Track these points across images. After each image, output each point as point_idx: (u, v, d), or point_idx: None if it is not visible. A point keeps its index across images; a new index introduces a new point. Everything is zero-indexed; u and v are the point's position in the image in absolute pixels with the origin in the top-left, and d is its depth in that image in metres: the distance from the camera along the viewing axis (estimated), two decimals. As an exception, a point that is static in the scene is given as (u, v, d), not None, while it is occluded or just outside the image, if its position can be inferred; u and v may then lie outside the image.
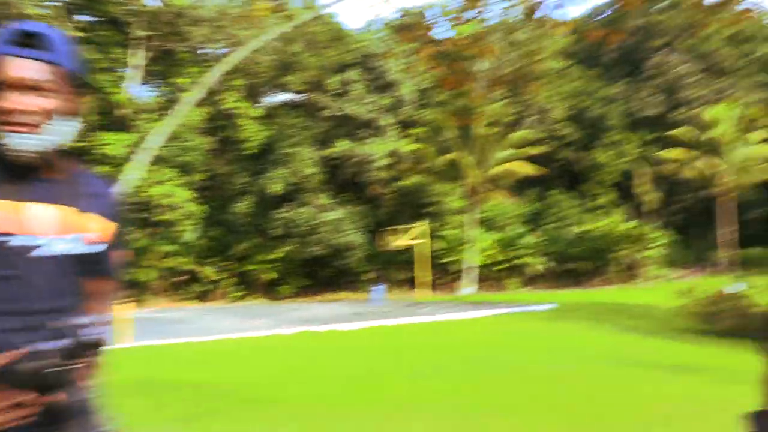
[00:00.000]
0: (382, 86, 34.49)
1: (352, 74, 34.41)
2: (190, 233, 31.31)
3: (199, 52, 31.80)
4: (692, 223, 35.98)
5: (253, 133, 34.60)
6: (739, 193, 33.77)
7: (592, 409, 7.43)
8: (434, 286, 31.65)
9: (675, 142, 34.06)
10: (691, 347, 13.63)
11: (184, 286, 32.84)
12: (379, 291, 27.12)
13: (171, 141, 29.49)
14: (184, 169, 31.61)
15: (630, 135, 37.53)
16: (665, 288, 22.36)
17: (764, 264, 31.80)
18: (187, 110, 21.24)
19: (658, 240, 32.73)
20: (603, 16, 39.52)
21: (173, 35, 30.36)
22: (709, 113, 33.80)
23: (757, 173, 32.95)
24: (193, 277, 32.78)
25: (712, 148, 33.54)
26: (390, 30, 34.78)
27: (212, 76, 14.32)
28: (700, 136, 33.69)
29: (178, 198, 30.09)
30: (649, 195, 36.70)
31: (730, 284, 18.20)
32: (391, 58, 32.67)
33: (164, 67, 31.94)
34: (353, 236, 32.52)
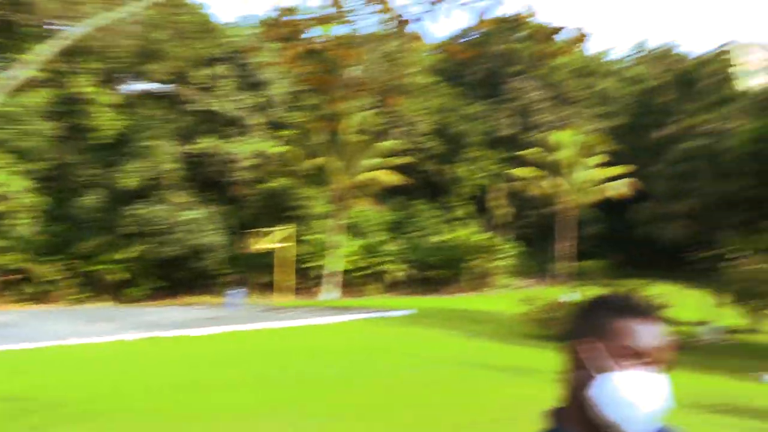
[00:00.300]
0: (252, 84, 33.60)
1: (220, 69, 33.14)
2: (25, 227, 28.14)
3: (46, 28, 28.78)
4: (537, 236, 39.11)
5: (107, 122, 31.96)
6: (577, 211, 37.33)
7: (438, 411, 7.70)
8: (296, 291, 31.31)
9: (525, 162, 36.89)
10: (529, 351, 14.74)
11: (16, 285, 29.44)
12: (237, 295, 26.22)
13: (6, 123, 26.41)
14: (23, 155, 28.39)
15: (487, 152, 40.02)
16: (512, 296, 24.04)
17: (596, 275, 35.39)
18: (23, 90, 19.01)
19: (508, 251, 35.18)
20: (467, 38, 41.83)
21: (14, 5, 27.19)
22: (555, 137, 37.08)
23: (593, 194, 36.72)
24: (27, 276, 29.49)
25: (556, 169, 36.79)
26: (263, 26, 33.99)
27: (47, 53, 12.97)
28: (547, 157, 36.82)
29: (13, 187, 26.95)
30: (502, 209, 39.40)
31: (566, 293, 20.03)
32: (260, 54, 31.87)
33: (3, 40, 28.50)
34: (214, 237, 31.21)
